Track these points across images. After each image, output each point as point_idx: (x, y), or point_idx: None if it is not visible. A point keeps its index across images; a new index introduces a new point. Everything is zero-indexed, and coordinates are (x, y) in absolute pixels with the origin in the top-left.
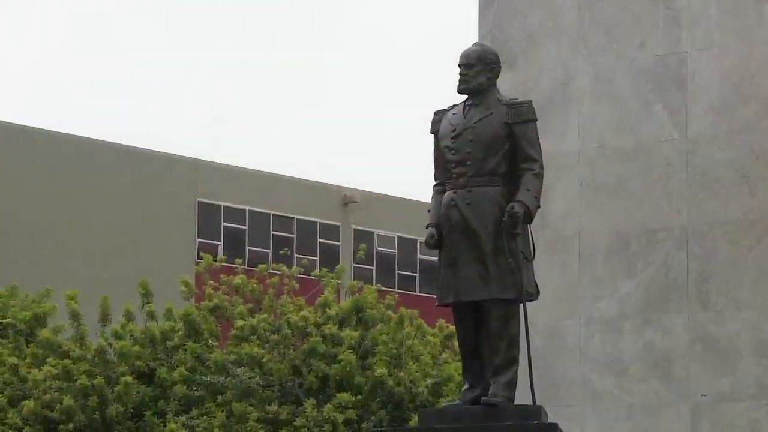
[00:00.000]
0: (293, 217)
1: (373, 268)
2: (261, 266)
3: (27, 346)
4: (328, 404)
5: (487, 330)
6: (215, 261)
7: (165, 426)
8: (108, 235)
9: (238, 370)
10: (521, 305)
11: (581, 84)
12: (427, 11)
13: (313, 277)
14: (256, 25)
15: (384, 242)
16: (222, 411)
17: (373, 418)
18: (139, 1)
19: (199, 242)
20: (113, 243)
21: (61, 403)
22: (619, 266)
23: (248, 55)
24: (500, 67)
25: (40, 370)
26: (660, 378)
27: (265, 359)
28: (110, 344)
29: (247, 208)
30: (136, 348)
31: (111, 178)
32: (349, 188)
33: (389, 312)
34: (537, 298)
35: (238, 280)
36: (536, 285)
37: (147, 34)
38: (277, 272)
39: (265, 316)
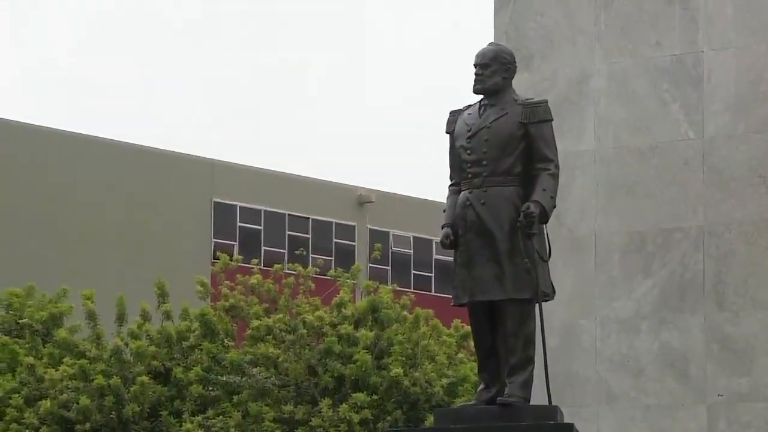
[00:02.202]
0: (309, 217)
1: (389, 268)
2: (276, 266)
3: (44, 346)
4: (343, 404)
5: (503, 330)
6: (231, 261)
7: (181, 426)
8: (124, 235)
9: (254, 370)
10: (537, 305)
11: (597, 84)
12: (444, 9)
13: (329, 277)
14: (275, 25)
15: (399, 242)
16: (238, 411)
17: (388, 418)
18: (158, 1)
19: (215, 242)
20: (129, 243)
21: (78, 403)
22: (635, 266)
23: (265, 55)
24: (516, 67)
25: (56, 370)
26: (676, 378)
27: (280, 359)
28: (126, 344)
29: (262, 208)
30: (152, 348)
31: (127, 178)
32: (365, 188)
33: (405, 312)
34: (553, 298)
35: (253, 280)
36: (552, 285)
37: (164, 35)
38: (293, 272)
39: (281, 316)
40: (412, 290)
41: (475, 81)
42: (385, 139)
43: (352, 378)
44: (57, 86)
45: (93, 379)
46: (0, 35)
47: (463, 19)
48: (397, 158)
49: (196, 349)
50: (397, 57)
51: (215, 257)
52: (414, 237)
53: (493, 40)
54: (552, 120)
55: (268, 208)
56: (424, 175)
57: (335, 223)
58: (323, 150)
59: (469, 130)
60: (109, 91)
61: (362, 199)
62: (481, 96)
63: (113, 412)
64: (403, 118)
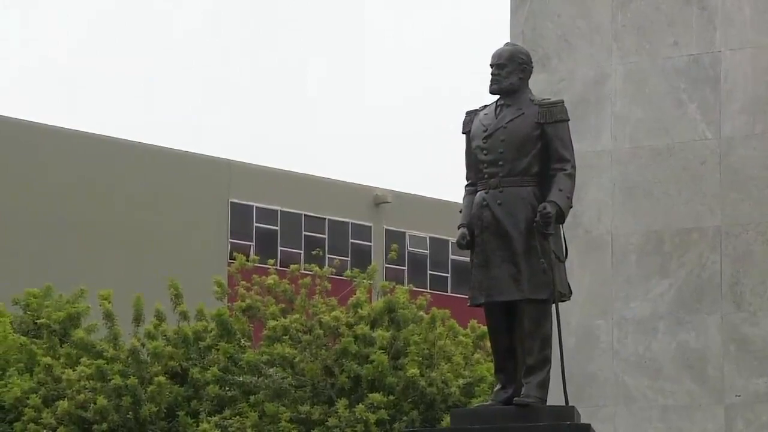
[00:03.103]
0: (325, 218)
1: (405, 268)
2: (293, 267)
3: (61, 347)
4: (360, 404)
5: (520, 330)
6: (248, 261)
7: (198, 426)
8: (141, 236)
9: (271, 370)
10: (554, 305)
11: (614, 84)
12: (444, 8)
13: (345, 278)
14: (275, 25)
15: (416, 243)
16: (254, 411)
17: (405, 418)
18: (177, 3)
19: (232, 243)
20: (146, 243)
21: (95, 403)
22: (652, 267)
23: (280, 57)
24: (532, 67)
25: (74, 370)
26: (694, 379)
27: (297, 359)
28: (143, 344)
29: (279, 208)
30: (169, 348)
31: (144, 178)
32: (381, 189)
33: (421, 312)
34: (569, 299)
35: (270, 280)
36: (569, 285)
37: (164, 35)
38: (309, 272)
39: (297, 316)
40: (428, 290)
41: (491, 81)
42: (387, 139)
43: (369, 378)
44: (57, 86)
45: (110, 380)
46: (0, 35)
47: (464, 19)
48: (414, 159)
49: (213, 350)
50: (397, 57)
51: (232, 258)
52: (430, 237)
53: (509, 40)
54: (568, 120)
55: (284, 209)
56: (441, 175)
57: (351, 223)
58: (324, 150)
59: (485, 131)
60: (108, 90)
61: (378, 200)
62: (497, 96)
63: (130, 413)
64: (403, 118)
